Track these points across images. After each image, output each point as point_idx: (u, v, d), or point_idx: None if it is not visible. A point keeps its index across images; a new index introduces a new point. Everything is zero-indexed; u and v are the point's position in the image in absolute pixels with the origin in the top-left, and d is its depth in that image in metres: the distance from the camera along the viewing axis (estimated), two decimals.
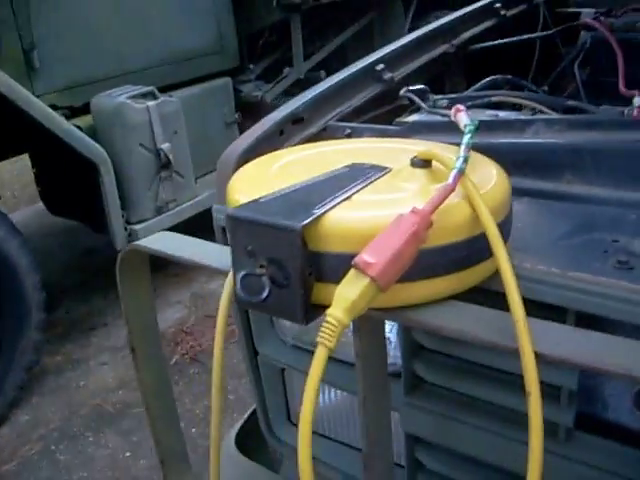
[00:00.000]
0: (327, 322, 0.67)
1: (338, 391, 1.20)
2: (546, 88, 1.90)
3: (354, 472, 1.14)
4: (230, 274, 0.83)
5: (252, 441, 1.41)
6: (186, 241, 0.97)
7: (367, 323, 0.81)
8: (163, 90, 3.30)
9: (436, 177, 0.81)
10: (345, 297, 0.67)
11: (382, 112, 1.45)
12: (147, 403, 1.08)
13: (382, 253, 0.66)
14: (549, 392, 0.86)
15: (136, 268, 1.00)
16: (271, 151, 1.16)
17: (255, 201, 0.76)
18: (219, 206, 1.11)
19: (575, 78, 1.76)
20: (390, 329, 1.04)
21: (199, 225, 2.01)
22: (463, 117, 0.90)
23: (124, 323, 1.04)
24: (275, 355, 1.21)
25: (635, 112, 1.17)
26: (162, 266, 3.64)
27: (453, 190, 0.72)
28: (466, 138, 0.80)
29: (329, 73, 4.41)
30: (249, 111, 4.09)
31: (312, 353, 1.14)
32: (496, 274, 0.76)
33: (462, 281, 0.77)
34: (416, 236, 0.68)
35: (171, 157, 3.21)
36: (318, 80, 4.34)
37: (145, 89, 3.17)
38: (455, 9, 2.02)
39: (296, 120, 1.27)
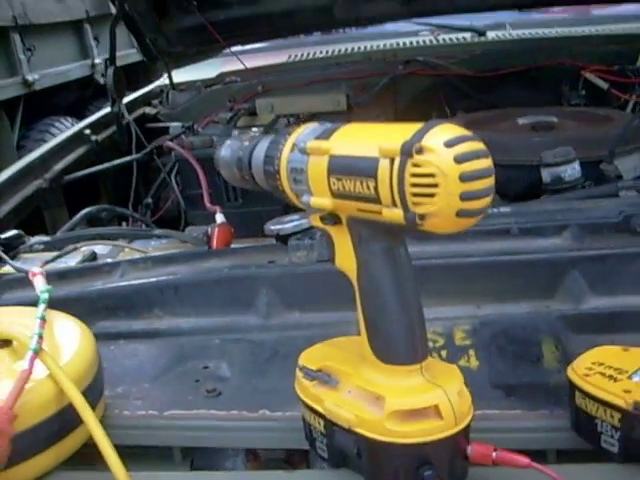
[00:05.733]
0: None
1: None
2: (150, 200, 2.01)
3: None
4: None
5: None
6: None
7: None
8: None
9: (19, 355, 0.82)
10: None
11: None
12: None
13: None
14: None
15: None
16: None
17: None
18: None
19: (173, 189, 1.88)
20: None
21: None
22: (39, 282, 0.93)
23: None
24: None
25: (215, 232, 1.29)
26: None
27: (30, 374, 0.74)
28: (40, 310, 0.83)
29: None
30: None
31: None
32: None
33: (61, 451, 0.78)
34: (2, 434, 0.68)
35: None
36: None
37: None
38: None
39: None
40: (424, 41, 2.45)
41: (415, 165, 0.56)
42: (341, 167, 0.63)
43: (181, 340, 1.02)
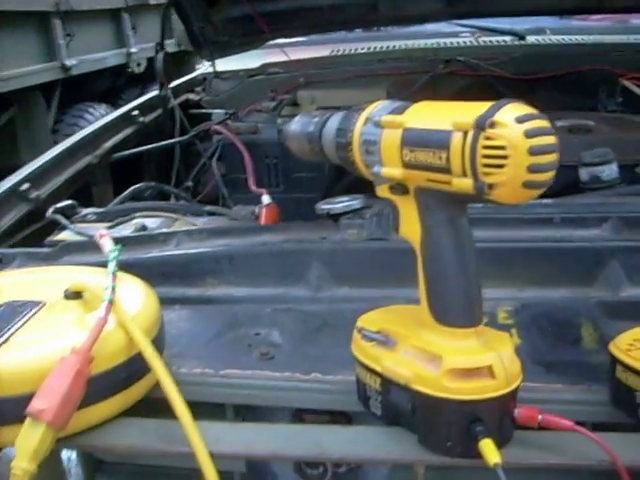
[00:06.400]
0: (14, 475, 0.70)
1: None
2: (190, 184, 2.06)
3: None
4: None
5: None
6: None
7: None
8: None
9: (89, 306, 0.87)
10: (26, 447, 0.70)
11: (32, 231, 1.46)
12: None
13: (52, 397, 0.71)
14: (223, 477, 0.96)
15: None
16: None
17: None
18: None
19: (214, 174, 1.93)
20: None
21: None
22: (107, 242, 0.98)
23: None
24: None
25: (263, 211, 1.34)
26: None
27: (106, 322, 0.80)
28: (111, 266, 0.88)
29: None
30: None
31: None
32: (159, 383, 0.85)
33: (128, 398, 0.83)
34: (81, 374, 0.74)
35: None
36: None
37: None
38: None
39: None
40: (464, 42, 2.49)
41: (487, 138, 0.61)
42: (414, 139, 0.68)
43: (234, 308, 1.07)
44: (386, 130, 0.71)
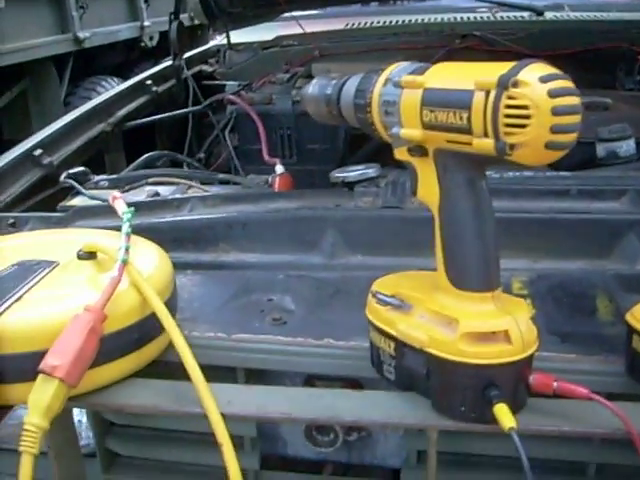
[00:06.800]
0: (27, 430, 0.70)
1: None
2: (202, 155, 2.06)
3: None
4: None
5: None
6: None
7: None
8: None
9: (102, 267, 0.87)
10: (39, 403, 0.70)
11: (45, 197, 1.46)
12: None
13: (66, 354, 0.71)
14: (234, 442, 0.96)
15: None
16: None
17: None
18: None
19: (226, 145, 1.93)
20: (79, 411, 1.07)
21: None
22: (120, 205, 0.97)
23: None
24: None
25: (277, 180, 1.34)
26: None
27: (119, 281, 0.79)
28: (125, 227, 0.88)
29: None
30: None
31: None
32: (170, 346, 0.85)
33: (140, 359, 0.83)
34: (94, 331, 0.74)
35: None
36: None
37: None
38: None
39: None
40: (481, 17, 2.46)
41: (510, 97, 0.60)
42: (435, 99, 0.66)
43: (247, 273, 1.06)
44: (406, 90, 0.70)
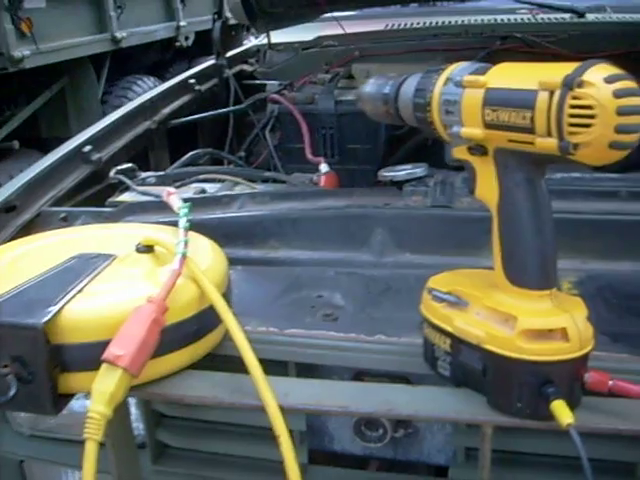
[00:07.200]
0: (90, 418, 0.72)
1: (77, 475, 1.21)
2: (242, 154, 2.08)
3: None
4: None
5: None
6: None
7: None
8: None
9: (159, 260, 0.89)
10: (103, 391, 0.72)
11: (93, 192, 1.49)
12: None
13: (129, 344, 0.73)
14: None
15: None
16: None
17: None
18: None
19: (267, 144, 1.95)
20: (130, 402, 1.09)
21: None
22: (176, 200, 0.99)
23: None
24: (12, 448, 1.19)
25: (322, 179, 1.35)
26: None
27: (179, 274, 0.81)
28: (182, 222, 0.90)
29: (23, 142, 4.28)
30: None
31: (51, 440, 1.14)
32: (224, 341, 0.87)
33: (197, 351, 0.85)
34: (156, 322, 0.75)
35: None
36: (12, 151, 4.17)
37: None
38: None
39: (8, 208, 1.27)
40: (522, 19, 2.46)
41: (575, 97, 0.61)
42: (497, 99, 0.67)
43: (296, 270, 1.08)
44: (467, 90, 0.71)
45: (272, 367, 0.91)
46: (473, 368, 0.74)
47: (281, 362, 0.92)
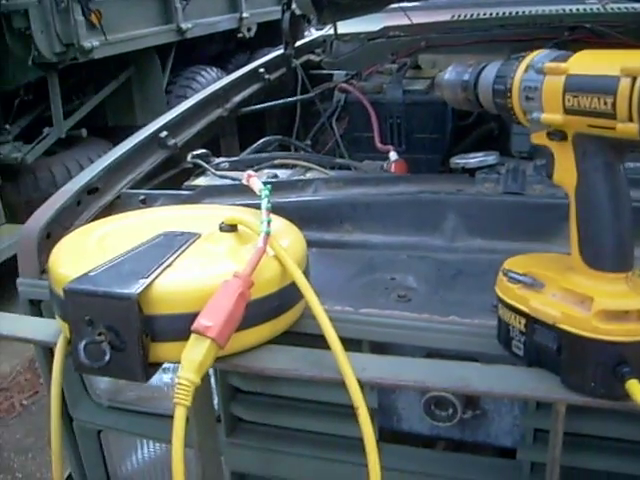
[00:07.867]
0: (180, 384, 0.76)
1: (152, 445, 1.27)
2: (309, 142, 2.11)
3: None
4: (59, 344, 0.90)
5: None
6: (3, 317, 1.01)
7: None
8: None
9: (242, 239, 0.93)
10: (192, 359, 0.77)
11: (169, 176, 1.55)
12: None
13: (217, 315, 0.77)
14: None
15: None
16: (70, 221, 1.22)
17: (87, 274, 0.83)
18: (25, 279, 1.14)
19: (333, 133, 1.98)
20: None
21: None
22: (256, 182, 1.03)
23: None
24: (92, 419, 1.25)
25: (392, 166, 1.38)
26: None
27: (264, 251, 0.85)
28: (264, 203, 0.94)
29: (90, 131, 4.41)
30: (9, 173, 3.97)
31: (129, 412, 1.20)
32: (302, 318, 0.91)
33: (276, 327, 0.89)
34: (243, 296, 0.79)
35: None
36: (80, 138, 4.27)
37: None
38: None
39: (91, 190, 1.33)
40: (591, 9, 2.43)
41: None
42: (578, 85, 0.69)
43: (369, 253, 1.11)
44: (548, 77, 0.73)
45: (347, 345, 0.95)
46: (547, 348, 0.76)
47: (355, 340, 0.95)
